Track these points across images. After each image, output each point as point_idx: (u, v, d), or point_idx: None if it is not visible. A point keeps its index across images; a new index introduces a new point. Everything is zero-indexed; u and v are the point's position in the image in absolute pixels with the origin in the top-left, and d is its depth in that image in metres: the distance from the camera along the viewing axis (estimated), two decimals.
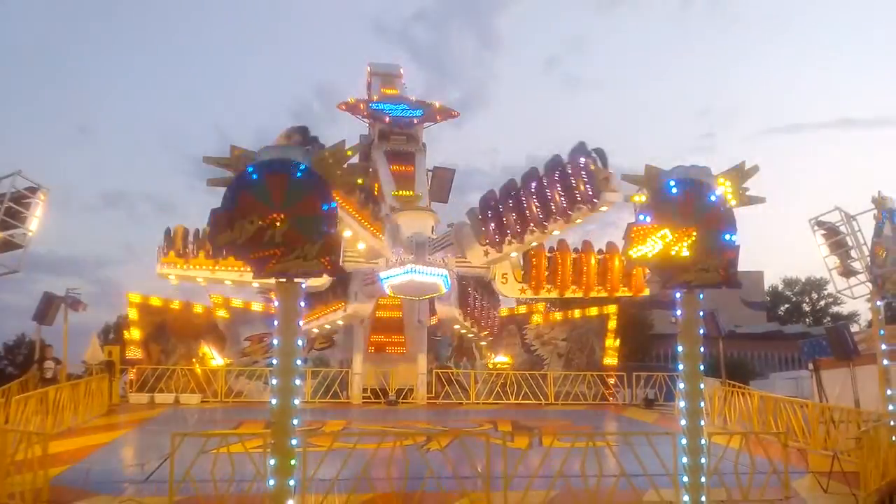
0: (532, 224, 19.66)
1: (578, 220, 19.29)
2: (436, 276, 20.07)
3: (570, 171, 18.45)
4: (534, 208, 19.44)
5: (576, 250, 23.47)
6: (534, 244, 20.84)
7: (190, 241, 23.32)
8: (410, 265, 19.69)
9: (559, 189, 18.78)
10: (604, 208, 18.05)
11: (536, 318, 26.34)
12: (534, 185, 19.49)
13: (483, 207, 20.66)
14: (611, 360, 25.51)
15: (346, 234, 18.09)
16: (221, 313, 24.50)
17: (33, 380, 18.40)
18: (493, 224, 20.42)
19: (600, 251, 23.90)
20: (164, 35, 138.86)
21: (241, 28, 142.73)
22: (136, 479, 11.88)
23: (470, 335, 24.00)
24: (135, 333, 23.29)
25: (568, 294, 23.74)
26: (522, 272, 23.11)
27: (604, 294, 24.39)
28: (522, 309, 27.46)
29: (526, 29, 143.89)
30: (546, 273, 22.97)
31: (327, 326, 23.82)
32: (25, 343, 45.91)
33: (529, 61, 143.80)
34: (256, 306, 25.04)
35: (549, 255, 23.32)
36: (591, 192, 18.09)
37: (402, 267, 19.81)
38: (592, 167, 18.07)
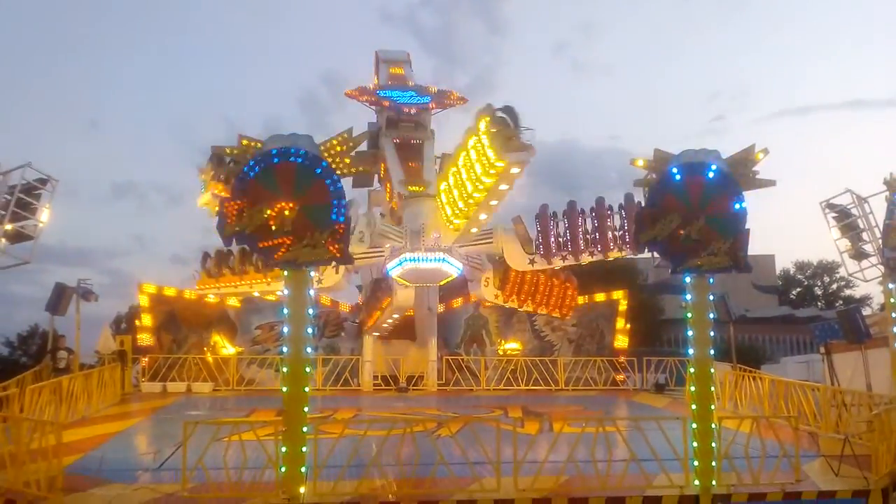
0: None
1: (503, 187, 19.15)
2: (434, 262, 19.97)
3: (483, 139, 17.88)
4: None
5: (582, 210, 22.94)
6: (483, 217, 20.59)
7: (210, 261, 23.24)
8: (404, 254, 19.67)
9: (473, 157, 18.49)
10: (515, 170, 17.35)
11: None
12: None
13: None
14: (622, 344, 25.48)
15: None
16: (232, 302, 24.58)
17: (46, 370, 18.54)
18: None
19: (609, 207, 23.23)
20: (172, 26, 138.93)
21: (248, 18, 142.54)
22: (150, 467, 11.98)
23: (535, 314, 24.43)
24: (146, 322, 23.40)
25: (585, 259, 23.35)
26: (500, 280, 23.08)
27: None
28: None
29: (534, 14, 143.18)
30: (515, 286, 23.04)
31: (394, 316, 23.69)
32: (39, 333, 46.21)
33: (538, 46, 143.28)
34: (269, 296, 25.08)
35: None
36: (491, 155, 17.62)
37: (398, 257, 19.79)
38: (493, 129, 17.47)
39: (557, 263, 21.12)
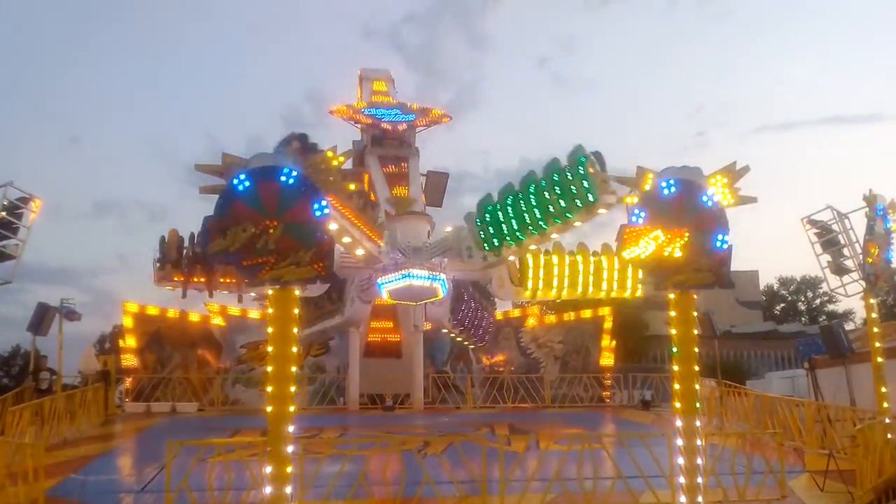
0: (531, 227, 19.57)
1: (577, 223, 19.19)
2: (434, 280, 20.03)
3: (569, 174, 18.33)
4: (532, 211, 19.35)
5: (571, 253, 23.30)
6: (532, 247, 20.71)
7: (185, 247, 22.98)
8: (407, 270, 19.65)
9: (558, 191, 18.66)
10: (602, 211, 17.90)
11: (531, 321, 26.37)
12: (532, 187, 19.38)
13: (481, 211, 20.61)
14: (607, 361, 25.55)
15: (345, 240, 18.03)
16: (217, 321, 24.46)
17: (29, 391, 18.35)
18: (491, 228, 20.34)
19: (595, 253, 23.70)
20: (153, 43, 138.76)
21: (231, 35, 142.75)
22: (133, 489, 11.85)
23: (460, 341, 23.91)
24: (130, 342, 23.21)
25: (565, 297, 23.50)
26: (519, 275, 23.03)
27: (600, 296, 24.08)
28: (516, 312, 27.46)
29: (516, 29, 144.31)
30: (542, 276, 22.75)
31: (325, 328, 23.60)
32: (21, 354, 45.77)
33: (520, 62, 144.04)
34: (253, 314, 25.00)
35: (544, 257, 23.18)
36: (589, 195, 17.98)
37: (399, 272, 19.76)
38: (591, 170, 17.96)
39: (508, 253, 20.64)
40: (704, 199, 10.38)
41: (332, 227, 12.40)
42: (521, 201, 19.31)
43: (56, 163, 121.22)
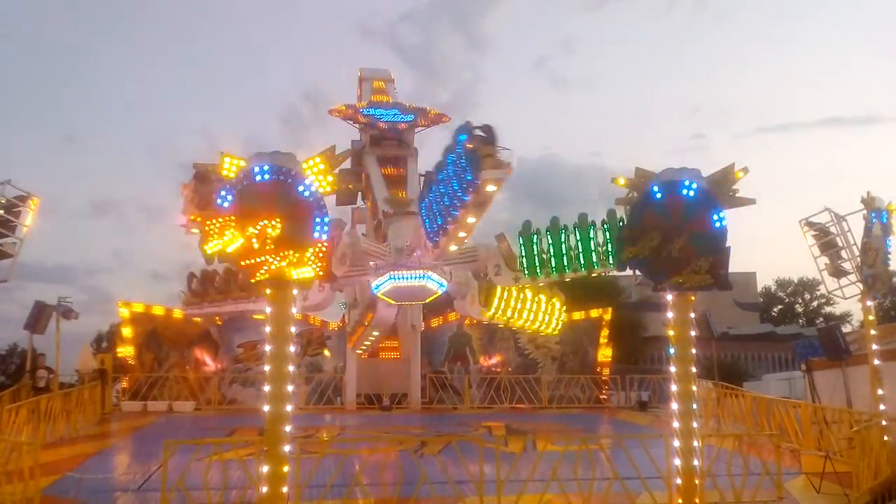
0: (452, 216, 19.09)
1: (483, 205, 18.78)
2: (421, 279, 19.92)
3: (459, 154, 17.63)
4: (444, 200, 18.95)
5: (565, 227, 22.60)
6: (461, 234, 20.21)
7: (195, 281, 23.15)
8: (391, 272, 19.63)
9: (451, 172, 18.16)
10: (490, 188, 17.03)
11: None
12: (440, 175, 18.87)
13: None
14: (604, 360, 25.49)
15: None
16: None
17: (25, 389, 18.31)
18: (426, 221, 20.00)
19: (593, 222, 23.00)
20: (151, 42, 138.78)
21: (229, 34, 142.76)
22: (129, 488, 11.83)
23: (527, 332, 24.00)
24: (127, 341, 23.19)
25: (568, 273, 23.11)
26: (484, 297, 23.00)
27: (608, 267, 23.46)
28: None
29: (514, 30, 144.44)
30: (536, 255, 22.31)
31: (375, 334, 23.65)
32: (18, 352, 45.71)
33: (518, 62, 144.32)
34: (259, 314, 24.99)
35: (536, 235, 22.74)
36: (471, 173, 17.26)
37: (385, 275, 19.74)
38: (471, 145, 17.22)
39: (542, 281, 21.03)
40: (702, 201, 10.38)
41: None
42: (442, 189, 18.88)
43: (53, 161, 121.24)
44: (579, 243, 19.86)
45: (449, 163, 17.71)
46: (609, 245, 18.96)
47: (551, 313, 23.63)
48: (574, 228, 20.03)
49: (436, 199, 18.84)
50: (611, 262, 18.84)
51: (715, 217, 10.09)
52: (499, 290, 22.26)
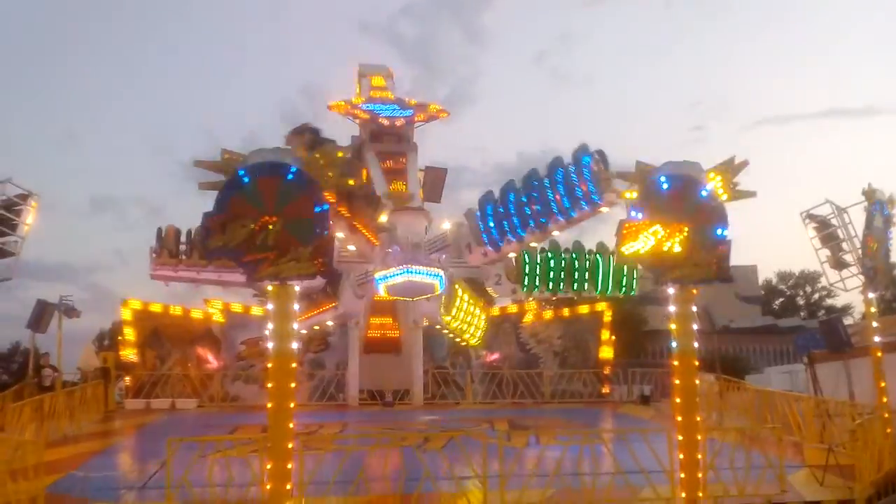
0: (533, 224, 19.64)
1: (580, 221, 19.32)
2: (432, 277, 20.03)
3: (573, 171, 18.49)
4: (534, 208, 19.42)
5: (566, 250, 23.41)
6: (532, 244, 20.80)
7: (182, 242, 23.22)
8: (407, 265, 19.63)
9: (561, 189, 18.79)
10: (605, 209, 18.04)
11: (528, 318, 26.31)
12: (535, 184, 19.48)
13: (482, 208, 20.65)
14: (606, 356, 25.56)
15: (338, 234, 18.06)
16: (217, 317, 24.47)
17: (31, 388, 18.36)
18: (492, 225, 20.39)
19: (590, 251, 23.84)
20: (150, 38, 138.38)
21: (227, 30, 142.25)
22: (133, 486, 11.85)
23: (453, 337, 23.83)
24: (130, 339, 23.23)
25: (560, 293, 23.74)
26: (516, 272, 23.07)
27: (594, 293, 24.35)
28: (514, 308, 27.36)
29: (513, 24, 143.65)
30: (538, 273, 22.87)
31: (316, 327, 23.67)
32: (20, 351, 45.76)
33: (517, 57, 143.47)
34: (256, 310, 25.02)
35: (541, 255, 23.27)
36: (593, 192, 18.12)
37: (399, 267, 19.74)
38: (595, 168, 18.08)
39: (507, 249, 20.85)
40: (703, 193, 10.39)
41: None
42: (523, 198, 19.43)
43: (53, 159, 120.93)
44: (575, 262, 20.15)
45: (558, 177, 18.17)
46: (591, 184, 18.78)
47: (478, 325, 23.80)
48: (526, 183, 20.04)
49: (516, 206, 19.06)
50: (585, 204, 18.83)
51: (717, 212, 9.99)
52: (525, 262, 22.30)
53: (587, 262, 23.14)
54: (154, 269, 23.15)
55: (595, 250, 23.46)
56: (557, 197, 18.96)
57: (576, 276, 22.42)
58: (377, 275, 20.41)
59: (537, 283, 20.83)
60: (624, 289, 23.98)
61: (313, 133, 14.84)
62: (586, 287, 22.57)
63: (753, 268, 66.75)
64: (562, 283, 21.40)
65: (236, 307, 24.85)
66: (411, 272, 19.58)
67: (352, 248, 19.63)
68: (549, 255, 21.44)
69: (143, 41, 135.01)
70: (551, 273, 22.75)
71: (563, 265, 21.98)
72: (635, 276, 23.45)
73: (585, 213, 18.88)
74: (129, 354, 22.93)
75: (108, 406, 20.51)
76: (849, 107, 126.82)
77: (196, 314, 24.46)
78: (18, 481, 10.39)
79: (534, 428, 16.72)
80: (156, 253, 23.12)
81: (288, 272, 9.33)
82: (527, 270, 21.48)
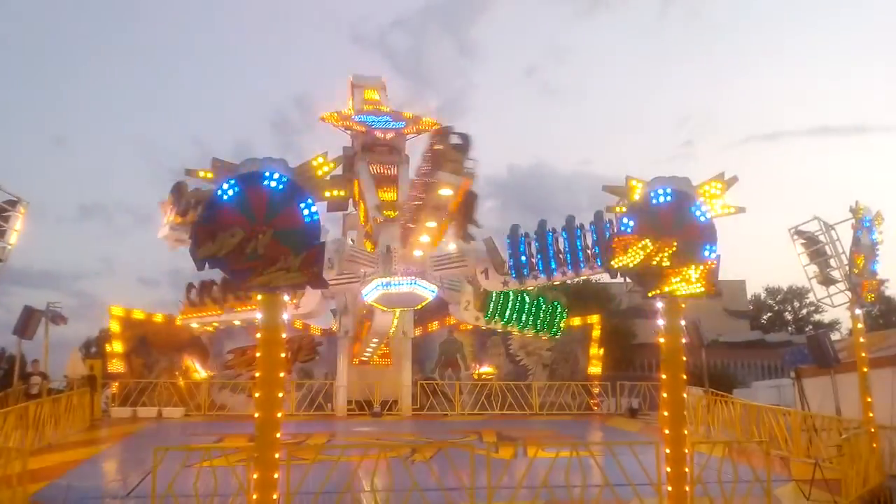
0: (569, 266, 20.19)
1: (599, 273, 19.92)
2: (407, 285, 19.95)
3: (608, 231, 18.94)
4: (574, 247, 20.14)
5: (553, 229, 23.34)
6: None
7: (193, 291, 23.14)
8: (379, 278, 19.61)
9: (595, 240, 19.43)
10: (444, 191, 17.57)
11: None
12: (577, 231, 20.19)
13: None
14: (595, 369, 25.64)
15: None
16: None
17: (14, 395, 18.21)
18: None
19: (581, 225, 23.74)
20: (140, 44, 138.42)
21: (219, 39, 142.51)
22: (118, 495, 11.76)
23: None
24: (117, 347, 23.10)
25: (511, 327, 24.25)
26: (480, 302, 23.29)
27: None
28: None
29: (504, 37, 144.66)
30: (497, 307, 23.43)
31: (374, 342, 23.56)
32: (6, 357, 45.40)
33: (508, 70, 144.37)
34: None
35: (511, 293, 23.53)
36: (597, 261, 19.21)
37: (374, 281, 19.72)
38: (437, 147, 17.92)
39: (530, 283, 21.16)
40: (694, 209, 10.45)
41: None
42: (560, 239, 20.03)
43: (41, 164, 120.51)
44: (566, 244, 20.12)
45: (577, 233, 19.83)
46: (597, 247, 19.23)
47: (552, 316, 23.88)
48: (562, 230, 20.25)
49: (554, 245, 19.53)
50: (599, 263, 19.18)
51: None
52: (493, 294, 22.39)
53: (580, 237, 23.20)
54: (181, 320, 23.10)
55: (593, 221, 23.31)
56: (585, 251, 19.91)
57: (569, 255, 22.42)
58: (377, 280, 20.27)
59: (526, 270, 20.89)
60: (554, 330, 24.44)
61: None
62: (583, 266, 22.68)
63: (742, 283, 67.14)
64: (555, 266, 21.47)
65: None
66: (384, 285, 19.50)
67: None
68: (536, 235, 21.53)
69: (135, 49, 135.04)
70: (507, 311, 23.46)
71: (552, 245, 21.97)
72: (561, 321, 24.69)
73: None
74: (116, 364, 22.81)
75: (94, 414, 20.35)
76: (837, 124, 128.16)
77: (182, 322, 24.32)
78: (2, 490, 10.30)
79: (522, 440, 16.69)
80: (181, 308, 23.10)
81: (277, 281, 9.32)
82: (511, 256, 21.53)
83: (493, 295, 22.84)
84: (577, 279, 21.11)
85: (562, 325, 24.75)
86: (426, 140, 18.69)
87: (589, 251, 19.93)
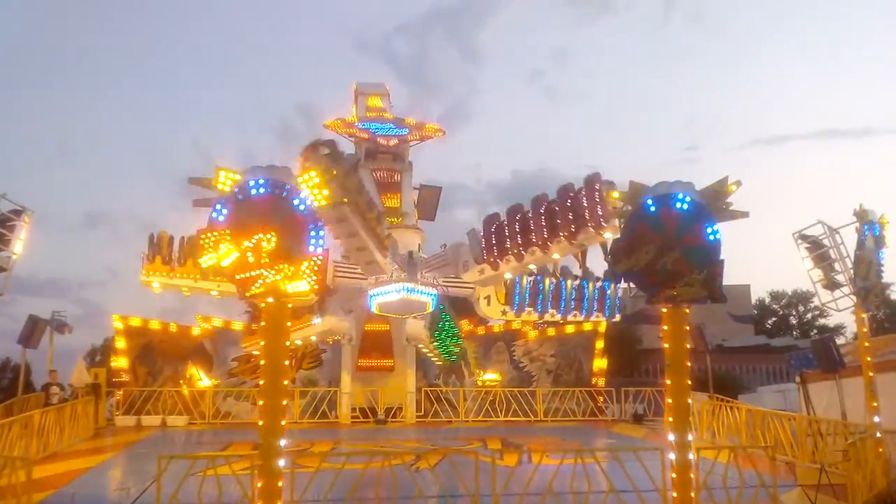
0: (536, 243, 19.82)
1: (584, 243, 19.50)
2: (427, 295, 20.07)
3: (583, 194, 18.69)
4: (541, 227, 19.71)
5: (555, 275, 23.66)
6: (531, 266, 20.96)
7: (175, 249, 23.19)
8: (404, 283, 19.64)
9: (569, 211, 19.07)
10: (608, 234, 18.15)
11: (532, 334, 26.28)
12: (543, 206, 19.84)
13: (486, 226, 20.79)
14: (599, 376, 25.58)
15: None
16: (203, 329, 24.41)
17: (19, 404, 18.24)
18: (494, 243, 20.53)
19: (575, 277, 24.10)
20: (146, 54, 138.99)
21: (223, 47, 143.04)
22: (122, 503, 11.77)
23: (432, 357, 23.73)
24: (121, 355, 23.13)
25: (547, 318, 24.01)
26: (505, 294, 23.23)
27: (580, 319, 24.70)
28: (517, 324, 27.33)
29: (508, 43, 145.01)
30: (528, 295, 23.22)
31: (298, 342, 23.53)
32: (11, 367, 45.51)
33: (512, 75, 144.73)
34: (237, 325, 25.05)
35: (530, 278, 23.46)
36: (600, 215, 18.29)
37: (396, 285, 19.76)
38: (604, 193, 18.25)
39: (504, 268, 21.12)
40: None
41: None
42: (530, 218, 19.65)
43: (45, 173, 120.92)
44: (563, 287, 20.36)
45: (566, 200, 19.52)
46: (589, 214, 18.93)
47: (600, 299, 23.74)
48: (560, 279, 20.56)
49: (522, 225, 19.51)
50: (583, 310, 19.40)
51: (708, 230, 10.18)
52: (518, 279, 22.33)
53: (574, 287, 23.47)
54: (145, 274, 23.09)
55: (581, 276, 23.71)
56: (566, 217, 19.20)
57: (563, 300, 22.63)
58: (372, 291, 20.37)
59: (526, 306, 20.94)
60: (608, 312, 24.20)
61: (328, 146, 14.81)
62: (573, 311, 22.79)
63: (746, 287, 67.01)
64: (549, 306, 21.50)
65: (216, 321, 24.89)
66: (408, 290, 19.60)
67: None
68: (538, 278, 21.55)
69: (139, 57, 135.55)
70: (540, 296, 23.10)
71: (551, 289, 22.09)
72: (618, 302, 23.80)
73: (589, 236, 18.99)
74: (121, 371, 22.83)
75: (99, 422, 20.36)
76: (842, 128, 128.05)
77: (187, 330, 24.40)
78: (7, 498, 10.30)
79: (527, 446, 16.66)
80: (148, 259, 23.10)
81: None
82: (517, 292, 21.55)
83: (516, 285, 22.81)
84: (572, 248, 20.47)
85: (616, 308, 24.55)
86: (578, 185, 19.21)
87: (570, 217, 19.48)
